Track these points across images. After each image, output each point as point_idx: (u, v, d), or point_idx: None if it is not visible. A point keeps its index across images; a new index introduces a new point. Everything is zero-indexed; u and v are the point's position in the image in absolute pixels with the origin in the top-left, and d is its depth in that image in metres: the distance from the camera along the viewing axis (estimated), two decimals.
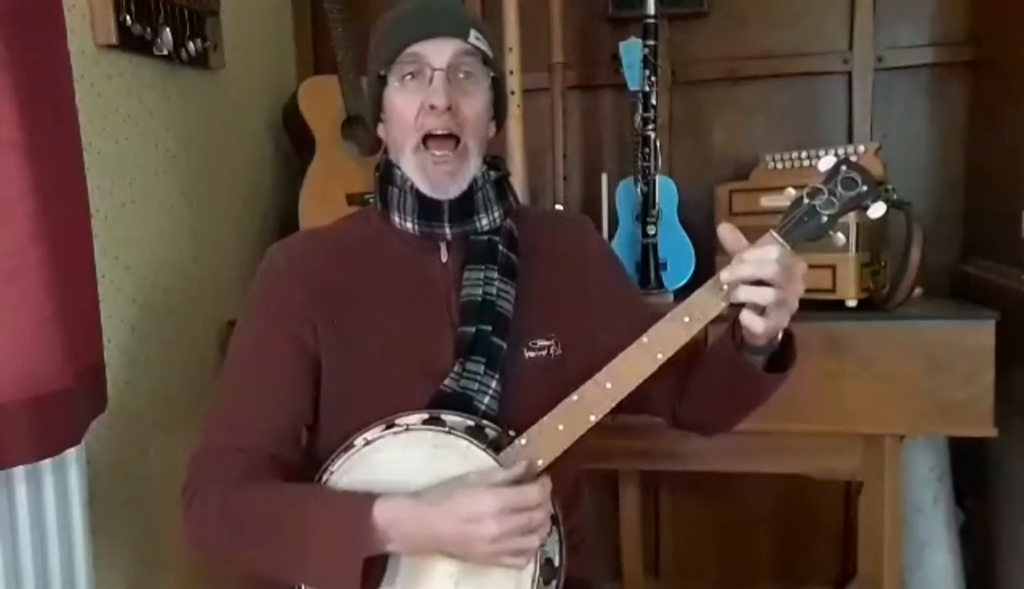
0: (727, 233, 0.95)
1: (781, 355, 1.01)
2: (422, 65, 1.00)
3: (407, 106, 1.01)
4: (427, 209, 1.03)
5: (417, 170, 1.02)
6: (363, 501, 0.90)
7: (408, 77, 1.01)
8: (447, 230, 1.04)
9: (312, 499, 0.96)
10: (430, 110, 1.00)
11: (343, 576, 0.89)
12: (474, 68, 1.03)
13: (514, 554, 0.89)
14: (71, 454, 1.24)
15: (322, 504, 0.94)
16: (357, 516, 0.89)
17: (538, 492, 0.89)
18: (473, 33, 1.02)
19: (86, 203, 1.25)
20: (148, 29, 1.51)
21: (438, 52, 1.00)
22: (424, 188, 1.02)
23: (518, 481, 0.90)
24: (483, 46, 1.03)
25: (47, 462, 1.21)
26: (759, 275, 0.90)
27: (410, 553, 0.92)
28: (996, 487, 1.79)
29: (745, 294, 0.91)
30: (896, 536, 1.54)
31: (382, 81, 1.04)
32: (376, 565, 0.92)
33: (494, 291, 1.02)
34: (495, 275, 1.03)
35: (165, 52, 1.55)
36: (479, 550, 0.88)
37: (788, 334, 1.00)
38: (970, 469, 1.87)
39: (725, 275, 0.93)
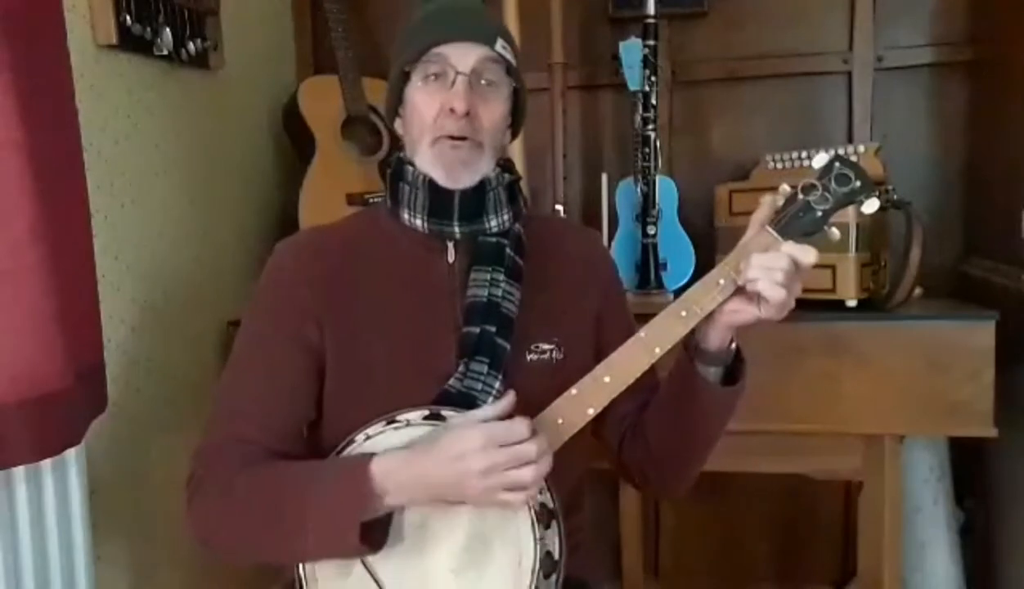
0: (767, 200, 0.95)
1: (732, 374, 1.02)
2: (446, 67, 1.01)
3: (427, 106, 1.02)
4: (438, 204, 1.03)
5: (434, 159, 1.02)
6: (359, 458, 0.92)
7: (431, 77, 1.02)
8: (456, 229, 1.04)
9: (309, 467, 0.97)
10: (449, 113, 1.00)
11: (342, 533, 0.89)
12: (497, 76, 1.03)
13: (507, 489, 0.88)
14: (71, 454, 1.24)
15: (319, 469, 0.96)
16: (354, 471, 0.91)
17: (525, 425, 0.89)
18: (500, 42, 1.03)
19: (86, 203, 1.25)
20: (148, 29, 1.51)
21: (464, 56, 1.01)
22: (438, 176, 1.02)
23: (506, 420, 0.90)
24: (508, 56, 1.04)
25: (47, 462, 1.21)
26: (773, 276, 0.91)
27: (408, 503, 0.93)
28: (996, 487, 1.79)
29: (761, 285, 0.91)
30: (896, 536, 1.54)
31: (405, 77, 1.04)
32: (375, 537, 0.92)
33: (500, 293, 1.02)
34: (501, 277, 1.03)
35: (165, 52, 1.55)
36: (471, 486, 0.88)
37: (740, 358, 1.01)
38: (970, 469, 1.87)
39: (725, 270, 0.94)
